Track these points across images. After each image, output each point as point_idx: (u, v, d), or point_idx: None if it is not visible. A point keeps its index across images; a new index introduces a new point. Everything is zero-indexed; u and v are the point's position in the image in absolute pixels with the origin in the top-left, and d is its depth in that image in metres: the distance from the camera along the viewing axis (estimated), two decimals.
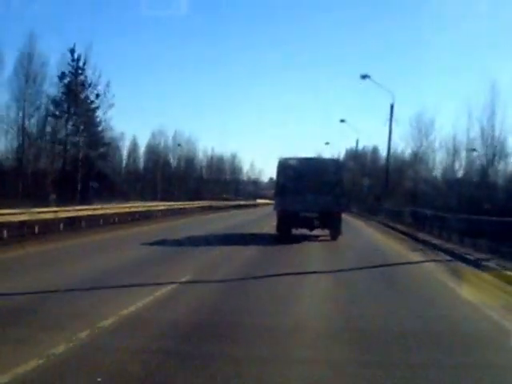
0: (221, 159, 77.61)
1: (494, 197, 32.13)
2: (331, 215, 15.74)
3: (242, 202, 53.55)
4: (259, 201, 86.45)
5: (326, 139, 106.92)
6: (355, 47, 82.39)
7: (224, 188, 75.89)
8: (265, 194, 74.53)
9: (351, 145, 62.41)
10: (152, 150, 62.04)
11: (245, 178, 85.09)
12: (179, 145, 61.78)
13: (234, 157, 79.30)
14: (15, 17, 51.65)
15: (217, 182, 73.89)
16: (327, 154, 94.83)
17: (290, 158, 17.29)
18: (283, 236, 16.05)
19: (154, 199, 44.57)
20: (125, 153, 62.17)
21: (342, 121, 42.60)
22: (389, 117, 31.55)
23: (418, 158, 44.30)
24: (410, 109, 65.90)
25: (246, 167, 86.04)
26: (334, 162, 19.47)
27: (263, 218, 27.72)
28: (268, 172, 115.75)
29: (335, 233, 16.16)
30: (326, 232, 16.50)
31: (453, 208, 27.28)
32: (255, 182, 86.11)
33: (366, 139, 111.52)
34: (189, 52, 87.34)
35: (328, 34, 79.79)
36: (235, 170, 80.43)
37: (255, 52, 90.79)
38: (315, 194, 15.62)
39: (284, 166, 16.57)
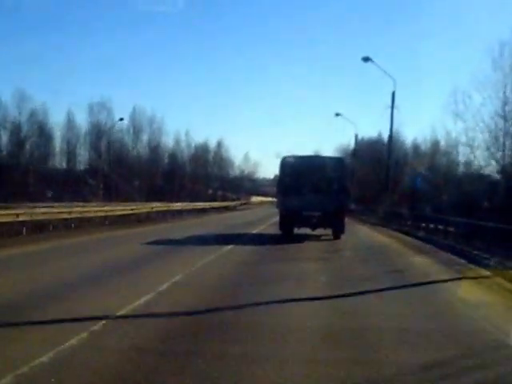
0: (204, 147, 60.86)
1: None
2: (334, 214, 15.90)
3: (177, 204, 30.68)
4: (256, 198, 73.19)
5: (326, 133, 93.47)
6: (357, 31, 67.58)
7: (209, 183, 59.82)
8: (267, 192, 69.62)
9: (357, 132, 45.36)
10: (95, 130, 45.58)
11: (237, 172, 68.92)
12: (121, 119, 45.48)
13: (220, 145, 62.44)
14: None
15: (196, 177, 57.33)
16: (334, 145, 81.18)
17: (293, 156, 17.47)
18: (285, 235, 16.36)
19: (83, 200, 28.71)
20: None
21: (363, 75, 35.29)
22: None
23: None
24: None
25: (237, 160, 69.79)
26: (337, 160, 19.39)
27: None
28: (271, 168, 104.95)
29: (338, 232, 16.36)
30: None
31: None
32: (253, 179, 71.04)
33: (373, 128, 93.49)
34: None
35: (326, 25, 71.96)
36: (222, 161, 63.56)
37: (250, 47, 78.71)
38: (318, 193, 15.98)
39: (286, 164, 16.65)
